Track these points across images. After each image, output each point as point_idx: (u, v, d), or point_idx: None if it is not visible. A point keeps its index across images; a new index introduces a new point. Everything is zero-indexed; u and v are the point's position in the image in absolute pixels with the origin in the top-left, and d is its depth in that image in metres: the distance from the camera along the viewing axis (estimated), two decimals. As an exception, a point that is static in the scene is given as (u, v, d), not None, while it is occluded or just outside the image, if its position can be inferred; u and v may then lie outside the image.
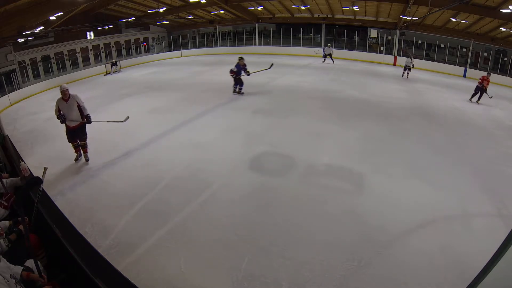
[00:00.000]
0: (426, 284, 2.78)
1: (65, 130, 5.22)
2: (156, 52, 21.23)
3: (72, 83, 14.18)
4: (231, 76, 9.22)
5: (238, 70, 9.10)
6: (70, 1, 10.64)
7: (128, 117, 5.60)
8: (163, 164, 5.13)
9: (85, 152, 5.40)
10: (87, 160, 5.37)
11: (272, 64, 10.13)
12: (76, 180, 4.70)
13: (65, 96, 4.97)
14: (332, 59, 16.20)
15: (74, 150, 5.37)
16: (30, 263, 2.03)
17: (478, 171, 4.96)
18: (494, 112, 8.64)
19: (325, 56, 16.32)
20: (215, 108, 8.25)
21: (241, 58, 9.17)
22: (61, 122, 5.06)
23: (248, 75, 9.23)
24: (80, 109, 5.10)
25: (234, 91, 9.42)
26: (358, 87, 10.77)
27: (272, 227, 3.53)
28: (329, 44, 16.70)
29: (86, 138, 5.33)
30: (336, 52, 18.17)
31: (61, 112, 4.98)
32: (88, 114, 5.20)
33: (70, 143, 5.30)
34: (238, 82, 9.29)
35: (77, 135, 5.23)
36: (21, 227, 2.42)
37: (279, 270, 2.92)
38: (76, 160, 5.35)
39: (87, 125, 5.31)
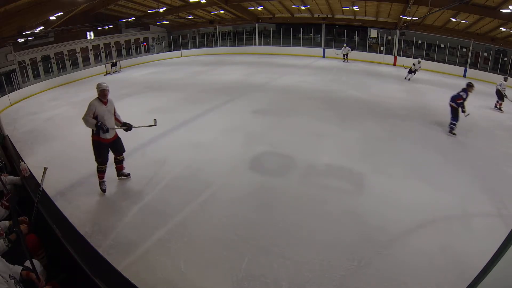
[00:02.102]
0: (426, 284, 2.77)
1: (95, 145, 4.08)
2: (156, 52, 21.24)
3: (72, 83, 14.21)
4: (452, 105, 6.64)
5: (465, 99, 6.57)
6: (70, 1, 10.65)
7: (155, 120, 4.77)
8: (163, 164, 5.13)
9: (123, 168, 4.51)
10: (128, 174, 4.59)
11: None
12: (76, 180, 4.69)
13: (105, 97, 3.95)
14: (346, 59, 16.55)
15: (99, 176, 4.25)
16: (29, 263, 2.03)
17: (478, 171, 4.95)
18: (494, 112, 8.64)
19: (344, 56, 16.68)
20: (215, 108, 8.25)
21: (471, 85, 6.65)
22: (104, 132, 3.95)
23: (466, 115, 6.64)
24: (115, 116, 4.19)
25: (452, 129, 6.59)
26: (358, 87, 10.77)
27: (272, 227, 3.53)
28: (345, 45, 16.87)
29: (124, 150, 4.40)
30: (336, 52, 18.23)
31: (98, 118, 3.91)
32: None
33: (98, 165, 4.17)
34: (456, 114, 6.59)
35: (114, 150, 4.27)
36: (23, 226, 2.42)
37: (279, 270, 2.92)
38: (105, 191, 4.26)
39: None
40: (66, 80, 14.32)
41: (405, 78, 12.79)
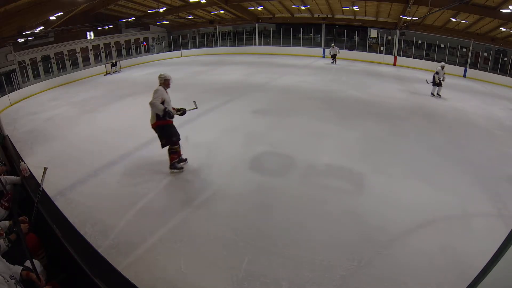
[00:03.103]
0: (426, 284, 2.77)
1: (166, 128, 4.42)
2: (156, 52, 21.25)
3: (72, 83, 14.22)
4: None
5: None
6: (70, 1, 10.65)
7: (195, 102, 4.92)
8: (163, 164, 5.12)
9: (181, 153, 4.80)
10: (185, 160, 4.88)
11: None
12: (76, 180, 4.69)
13: (168, 86, 4.35)
14: (335, 60, 15.98)
15: (173, 157, 4.59)
16: (29, 263, 2.03)
17: (478, 171, 4.95)
18: (494, 112, 8.64)
19: (332, 57, 16.06)
20: (215, 108, 8.25)
21: None
22: (170, 118, 4.30)
23: None
24: None
25: None
26: (358, 87, 10.77)
27: (272, 227, 3.53)
28: (332, 44, 16.43)
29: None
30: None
31: (164, 104, 4.22)
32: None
33: (172, 146, 4.53)
34: None
35: None
36: (23, 226, 2.42)
37: (279, 270, 2.92)
38: (182, 167, 4.68)
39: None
40: (66, 80, 14.31)
41: (432, 94, 9.95)
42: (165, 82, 4.31)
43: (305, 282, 2.80)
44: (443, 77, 9.72)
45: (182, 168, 4.63)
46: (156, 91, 4.19)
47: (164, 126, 4.35)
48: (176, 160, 4.62)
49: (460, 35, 15.13)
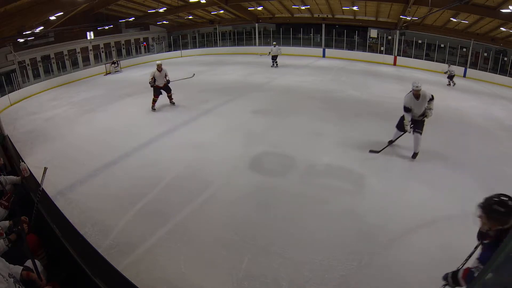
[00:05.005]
0: (426, 284, 2.77)
1: (154, 88, 7.90)
2: (156, 52, 21.21)
3: (72, 83, 14.21)
4: None
5: None
6: (70, 1, 10.63)
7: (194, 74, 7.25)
8: (163, 164, 5.13)
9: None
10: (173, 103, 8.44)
11: None
12: (76, 180, 4.69)
13: (159, 70, 7.74)
14: (276, 62, 14.39)
15: (153, 103, 8.02)
16: (30, 263, 2.03)
17: (478, 171, 4.95)
18: (494, 112, 8.64)
19: (273, 59, 14.40)
20: (215, 108, 8.25)
21: None
22: (151, 86, 7.89)
23: None
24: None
25: None
26: (358, 87, 10.77)
27: (272, 227, 3.53)
28: (274, 43, 15.06)
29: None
30: (336, 52, 18.13)
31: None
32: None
33: (155, 98, 8.02)
34: None
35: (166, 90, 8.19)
36: (24, 226, 2.42)
37: (279, 270, 2.92)
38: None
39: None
40: (66, 80, 14.29)
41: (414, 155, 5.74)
42: (156, 68, 7.73)
43: (305, 282, 2.80)
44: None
45: (154, 109, 8.01)
46: (151, 73, 7.77)
47: (154, 88, 7.84)
48: (153, 105, 7.98)
49: (460, 35, 15.12)
